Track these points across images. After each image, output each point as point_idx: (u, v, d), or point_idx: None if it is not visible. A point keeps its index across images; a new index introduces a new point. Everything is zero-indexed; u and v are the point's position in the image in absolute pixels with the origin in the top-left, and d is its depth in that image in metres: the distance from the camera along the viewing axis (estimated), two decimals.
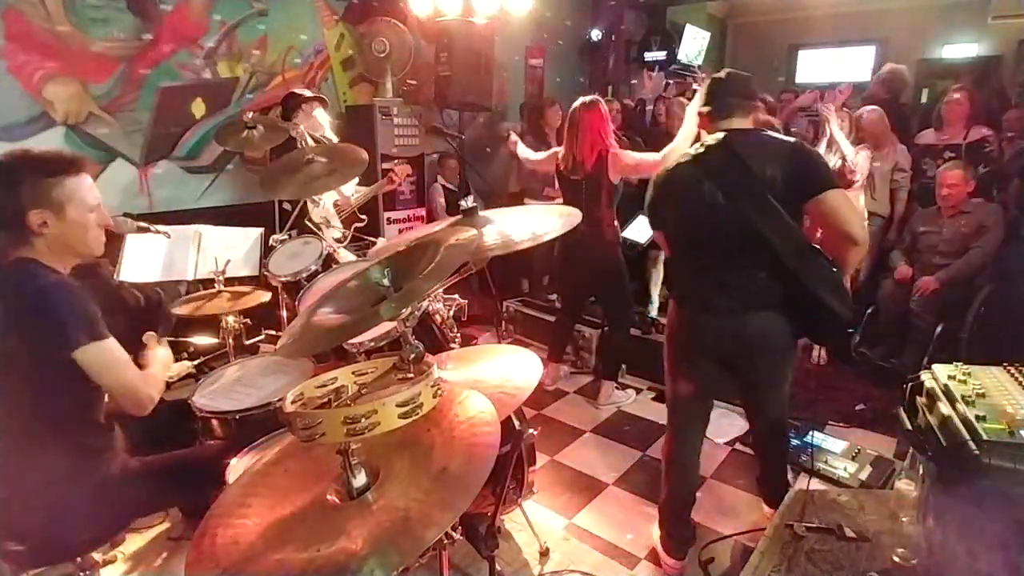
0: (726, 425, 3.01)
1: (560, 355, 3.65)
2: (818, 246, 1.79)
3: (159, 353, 1.77)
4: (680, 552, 2.16)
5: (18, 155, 1.45)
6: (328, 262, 2.58)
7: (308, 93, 3.21)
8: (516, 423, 1.89)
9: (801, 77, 7.97)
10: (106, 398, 1.59)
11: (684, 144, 2.30)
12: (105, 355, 1.45)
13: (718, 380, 2.14)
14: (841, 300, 1.75)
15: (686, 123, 2.33)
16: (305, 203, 2.85)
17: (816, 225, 1.94)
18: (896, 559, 1.61)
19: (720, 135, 1.82)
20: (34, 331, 1.40)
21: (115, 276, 2.70)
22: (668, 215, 1.99)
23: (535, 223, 1.56)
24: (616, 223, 3.17)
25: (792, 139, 1.89)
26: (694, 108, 2.10)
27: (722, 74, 1.92)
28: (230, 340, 2.48)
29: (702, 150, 1.84)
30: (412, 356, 1.08)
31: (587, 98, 3.02)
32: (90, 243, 1.54)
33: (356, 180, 2.84)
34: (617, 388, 3.46)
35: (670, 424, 2.18)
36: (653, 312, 3.96)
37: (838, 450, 2.79)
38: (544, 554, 2.17)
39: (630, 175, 3.03)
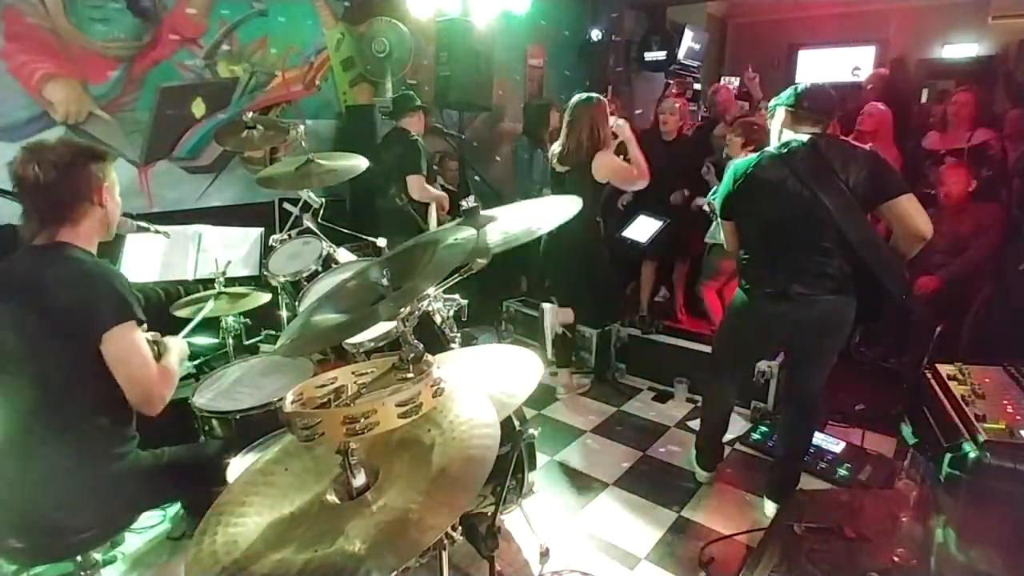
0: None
1: (569, 359, 3.53)
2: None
3: (175, 344, 1.75)
4: (710, 466, 2.64)
5: (85, 143, 1.65)
6: (328, 262, 2.58)
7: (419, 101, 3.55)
8: (516, 423, 1.89)
9: (801, 77, 7.97)
10: None
11: (638, 162, 2.96)
12: (128, 339, 1.47)
13: (769, 352, 2.85)
14: (899, 284, 2.06)
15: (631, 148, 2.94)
16: (306, 203, 2.84)
17: (883, 223, 2.24)
18: (896, 559, 1.61)
19: (805, 137, 2.07)
20: (64, 310, 1.42)
21: None
22: (748, 207, 2.21)
23: (534, 218, 1.55)
24: (599, 220, 3.18)
25: (867, 147, 2.14)
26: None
27: (813, 85, 2.17)
28: (230, 340, 2.48)
29: (786, 150, 2.08)
30: (412, 356, 1.08)
31: (592, 95, 3.02)
32: (117, 223, 1.67)
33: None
34: (571, 373, 3.50)
35: (714, 370, 2.59)
36: (643, 312, 3.99)
37: (838, 450, 2.80)
38: (544, 554, 2.17)
39: (607, 178, 2.99)
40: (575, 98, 3.02)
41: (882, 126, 3.72)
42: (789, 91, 2.17)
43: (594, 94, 3.05)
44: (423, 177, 3.40)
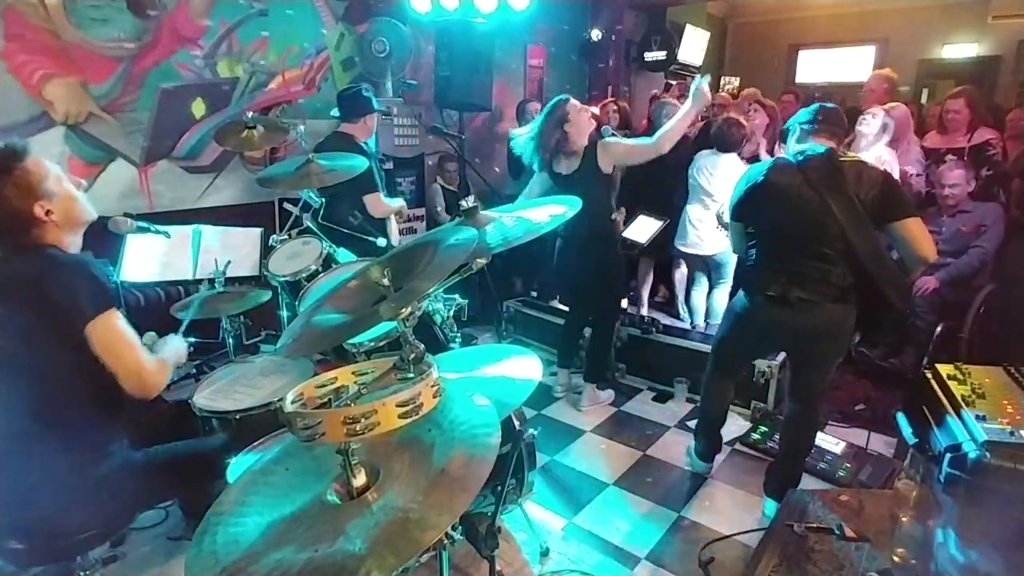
0: (726, 425, 3.01)
1: (570, 360, 3.52)
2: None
3: (172, 342, 1.77)
4: (709, 459, 2.71)
5: None
6: (328, 262, 2.58)
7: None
8: (516, 423, 1.89)
9: (801, 77, 7.97)
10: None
11: (675, 132, 2.78)
12: (113, 327, 1.46)
13: (769, 353, 2.95)
14: (903, 298, 2.09)
15: (680, 114, 2.78)
16: (306, 203, 2.84)
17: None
18: (896, 559, 1.61)
19: (823, 149, 2.11)
20: (51, 307, 1.41)
21: (116, 276, 2.70)
22: (759, 210, 2.24)
23: (534, 217, 1.55)
24: (616, 217, 3.15)
25: (882, 168, 2.23)
26: (687, 106, 2.74)
27: (831, 105, 2.27)
28: (230, 340, 2.48)
29: (802, 157, 2.12)
30: (412, 356, 1.08)
31: (562, 95, 3.01)
32: (86, 208, 1.57)
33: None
34: (597, 387, 3.42)
35: (713, 367, 2.60)
36: (643, 311, 3.96)
37: (838, 450, 2.80)
38: (544, 554, 2.17)
39: (622, 162, 3.00)
40: (551, 101, 3.01)
41: (907, 123, 3.71)
42: (804, 111, 2.24)
43: (563, 95, 3.02)
44: (380, 193, 3.06)
